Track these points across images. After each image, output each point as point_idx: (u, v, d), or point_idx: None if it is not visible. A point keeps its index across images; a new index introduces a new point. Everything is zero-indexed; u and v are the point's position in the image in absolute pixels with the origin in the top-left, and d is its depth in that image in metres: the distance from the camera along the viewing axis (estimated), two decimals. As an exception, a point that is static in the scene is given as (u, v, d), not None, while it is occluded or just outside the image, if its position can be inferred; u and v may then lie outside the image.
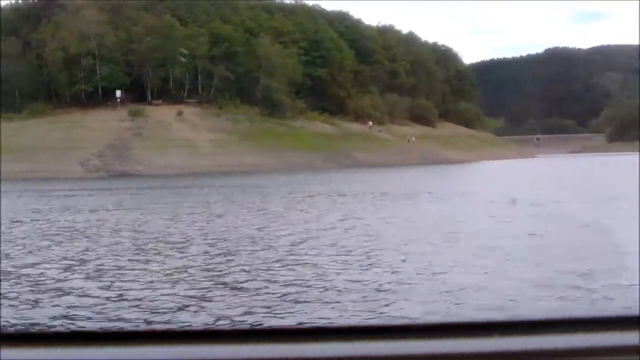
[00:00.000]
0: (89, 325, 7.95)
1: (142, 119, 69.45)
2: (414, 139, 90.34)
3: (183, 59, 76.06)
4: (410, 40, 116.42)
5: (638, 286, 8.57)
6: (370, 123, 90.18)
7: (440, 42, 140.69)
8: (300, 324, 7.61)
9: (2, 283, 10.35)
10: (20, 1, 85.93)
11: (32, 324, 7.80)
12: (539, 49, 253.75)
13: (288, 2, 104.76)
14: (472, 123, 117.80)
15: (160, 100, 75.74)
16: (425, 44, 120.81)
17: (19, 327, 7.64)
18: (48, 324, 7.95)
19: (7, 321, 7.70)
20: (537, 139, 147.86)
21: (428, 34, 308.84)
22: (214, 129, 71.14)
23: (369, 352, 1.28)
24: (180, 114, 72.45)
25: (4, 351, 1.26)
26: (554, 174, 51.66)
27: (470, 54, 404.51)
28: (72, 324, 8.01)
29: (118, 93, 73.03)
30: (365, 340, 1.30)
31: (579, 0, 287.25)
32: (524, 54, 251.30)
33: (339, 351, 1.28)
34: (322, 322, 7.63)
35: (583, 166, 61.59)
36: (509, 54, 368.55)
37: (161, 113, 72.07)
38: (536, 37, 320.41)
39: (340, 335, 1.33)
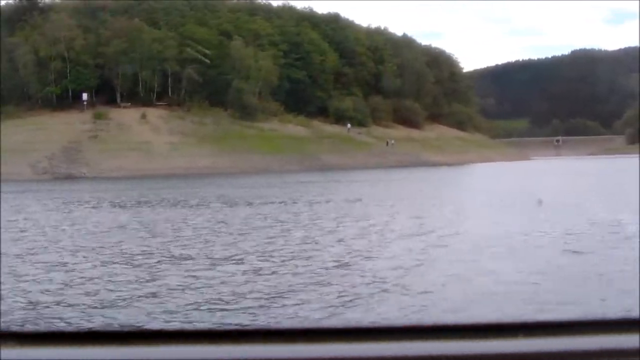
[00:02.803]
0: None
1: (104, 122, 69.76)
2: (393, 141, 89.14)
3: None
4: (402, 42, 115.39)
5: (638, 289, 8.51)
6: (349, 125, 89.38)
7: (434, 45, 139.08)
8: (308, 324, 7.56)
9: None
10: (3, 3, 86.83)
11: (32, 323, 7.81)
12: (566, 50, 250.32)
13: (276, 4, 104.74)
14: (465, 125, 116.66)
15: (129, 103, 76.07)
16: (418, 46, 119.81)
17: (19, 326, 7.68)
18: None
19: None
20: (557, 140, 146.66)
21: (460, 35, 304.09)
22: (175, 131, 70.89)
23: (367, 354, 1.26)
24: (143, 116, 72.53)
25: (4, 351, 1.26)
26: (526, 178, 48.05)
27: (500, 55, 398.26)
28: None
29: (84, 96, 73.56)
30: (369, 341, 1.27)
31: (610, 0, 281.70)
32: (550, 55, 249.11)
33: (343, 352, 1.26)
34: (323, 323, 7.61)
35: (580, 170, 57.46)
36: (534, 55, 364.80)
37: (126, 116, 72.26)
38: (564, 38, 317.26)
39: (341, 336, 1.30)
